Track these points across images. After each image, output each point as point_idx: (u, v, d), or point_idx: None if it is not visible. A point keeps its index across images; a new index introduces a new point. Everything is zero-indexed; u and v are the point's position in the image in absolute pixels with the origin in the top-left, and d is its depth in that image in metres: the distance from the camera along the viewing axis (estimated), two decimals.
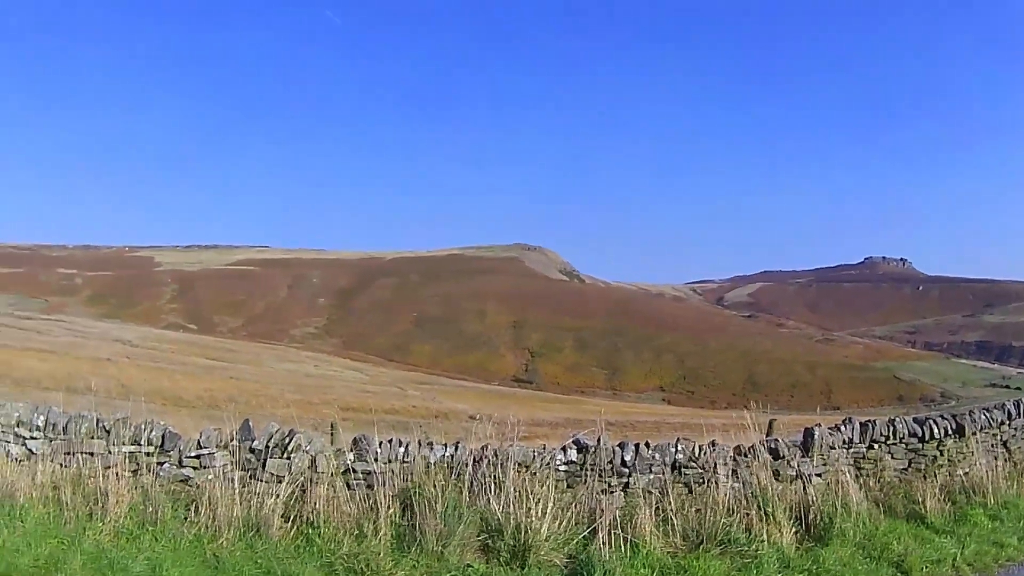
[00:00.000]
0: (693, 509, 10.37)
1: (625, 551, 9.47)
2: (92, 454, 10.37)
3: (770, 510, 10.37)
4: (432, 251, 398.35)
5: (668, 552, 9.68)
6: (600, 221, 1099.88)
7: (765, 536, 9.91)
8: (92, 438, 10.48)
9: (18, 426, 10.90)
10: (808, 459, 11.46)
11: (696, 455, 11.01)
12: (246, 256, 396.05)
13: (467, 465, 10.41)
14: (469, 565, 9.23)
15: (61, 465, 10.46)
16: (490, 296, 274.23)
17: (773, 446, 11.35)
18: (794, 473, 11.31)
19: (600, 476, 10.66)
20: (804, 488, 11.09)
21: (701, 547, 9.67)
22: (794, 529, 10.24)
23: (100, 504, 9.75)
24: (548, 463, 10.59)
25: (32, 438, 10.78)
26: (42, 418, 10.87)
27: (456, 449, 10.77)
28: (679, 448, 10.98)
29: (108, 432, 10.52)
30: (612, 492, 10.66)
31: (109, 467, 10.17)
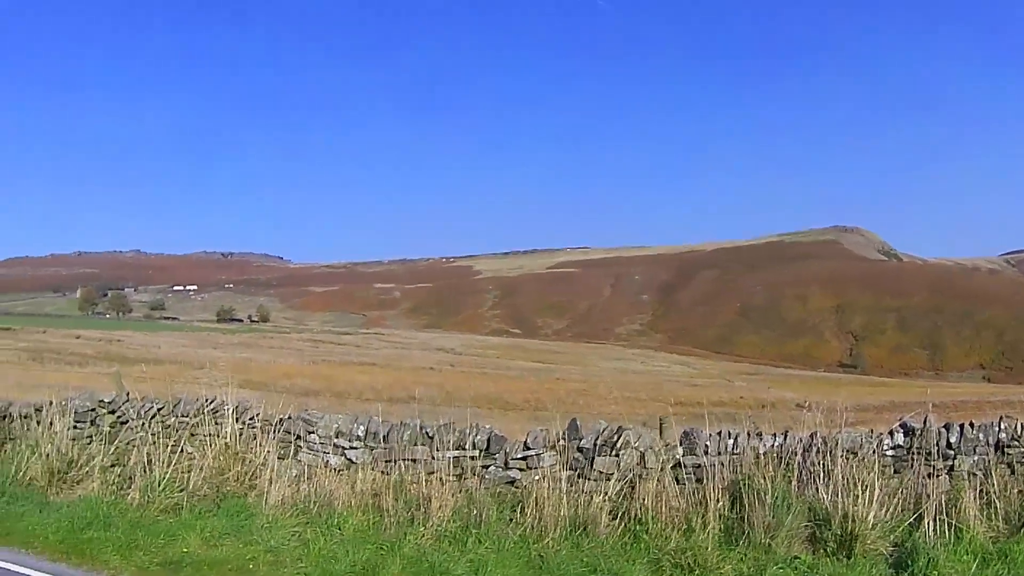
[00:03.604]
0: (1015, 491, 10.85)
1: (949, 537, 10.06)
2: (415, 460, 11.78)
3: None
4: (750, 240, 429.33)
5: (990, 537, 10.15)
6: (911, 196, 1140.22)
7: None
8: (415, 445, 11.89)
9: (337, 437, 12.46)
10: None
11: (1019, 434, 11.36)
12: (567, 258, 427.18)
13: (796, 454, 11.11)
14: (796, 557, 10.03)
15: (382, 472, 11.90)
16: (811, 281, 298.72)
17: None
18: None
19: (927, 459, 11.29)
20: None
21: (1023, 531, 10.20)
22: None
23: (422, 509, 11.10)
24: (875, 448, 11.29)
25: (351, 448, 12.32)
26: (362, 428, 12.33)
27: (785, 438, 11.40)
28: (1002, 427, 11.41)
29: (431, 438, 11.82)
30: (938, 476, 11.20)
31: (432, 472, 11.49)
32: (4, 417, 15.97)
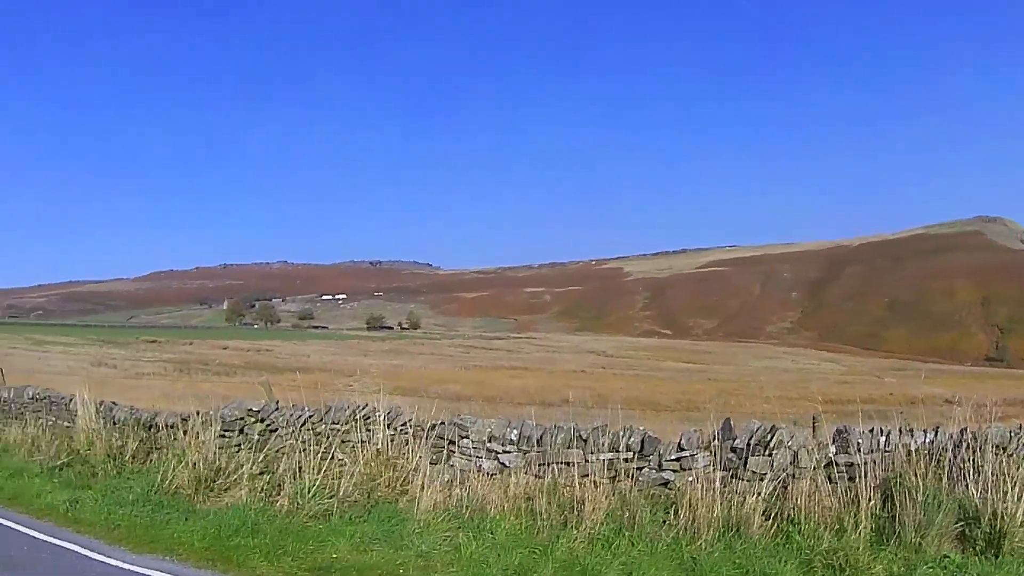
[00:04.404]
0: None
1: None
2: (568, 463, 12.03)
3: None
4: (895, 233, 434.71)
5: None
6: None
7: None
8: (568, 448, 12.12)
9: (490, 441, 12.75)
10: None
11: None
12: (716, 257, 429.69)
13: (946, 451, 11.13)
14: (945, 556, 10.08)
15: (535, 476, 12.18)
16: (956, 274, 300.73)
17: None
18: None
19: None
20: None
21: None
22: None
23: (575, 512, 11.33)
24: None
25: (504, 452, 12.59)
26: (515, 432, 12.57)
27: (935, 435, 11.43)
28: None
29: (585, 441, 12.05)
30: None
31: (586, 475, 11.76)
32: (150, 427, 16.65)
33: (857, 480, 10.99)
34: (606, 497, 11.56)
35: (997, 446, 11.05)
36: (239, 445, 14.97)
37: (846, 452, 11.38)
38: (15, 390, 21.60)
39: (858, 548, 10.07)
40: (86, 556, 11.76)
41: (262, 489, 13.70)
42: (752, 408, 42.07)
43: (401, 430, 13.98)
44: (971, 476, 10.75)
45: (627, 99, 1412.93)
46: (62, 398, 19.64)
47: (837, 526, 10.68)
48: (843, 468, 11.31)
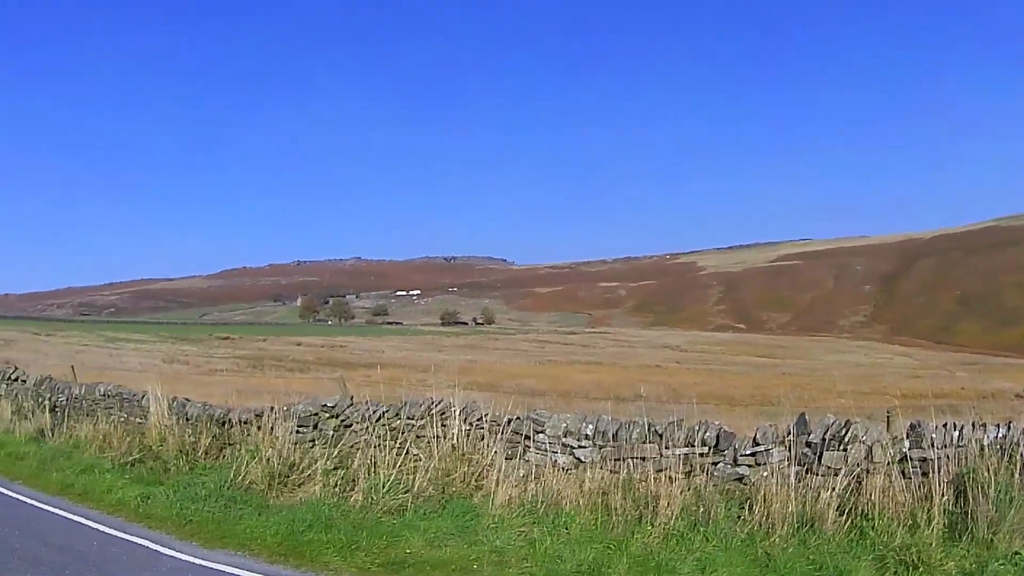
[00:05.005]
0: None
1: None
2: (643, 459, 12.17)
3: None
4: (967, 225, 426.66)
5: None
6: None
7: None
8: (644, 443, 12.26)
9: (565, 436, 12.89)
10: None
11: None
12: (789, 251, 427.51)
13: (1018, 446, 11.07)
14: (1017, 552, 10.06)
15: (610, 471, 12.31)
16: None
17: None
18: None
19: None
20: None
21: None
22: None
23: (650, 507, 11.43)
24: None
25: (580, 447, 12.74)
26: (591, 427, 12.73)
27: (1008, 429, 11.36)
28: None
29: (660, 436, 12.17)
30: None
31: (661, 470, 11.88)
32: (224, 423, 16.85)
33: (930, 475, 10.99)
34: (681, 492, 11.63)
35: None
36: (313, 441, 15.16)
37: (919, 447, 11.36)
38: (86, 387, 21.98)
39: (931, 544, 10.09)
40: (157, 551, 11.97)
41: (336, 485, 13.85)
42: (825, 402, 41.77)
43: (476, 425, 14.11)
44: None
45: (701, 93, 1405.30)
46: (134, 395, 19.95)
47: (910, 522, 10.68)
48: (916, 463, 11.30)
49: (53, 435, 20.54)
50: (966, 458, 11.13)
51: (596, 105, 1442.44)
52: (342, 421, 15.33)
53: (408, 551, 11.37)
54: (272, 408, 16.00)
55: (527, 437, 13.57)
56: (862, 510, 11.04)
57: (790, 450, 11.73)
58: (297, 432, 15.24)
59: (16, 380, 25.86)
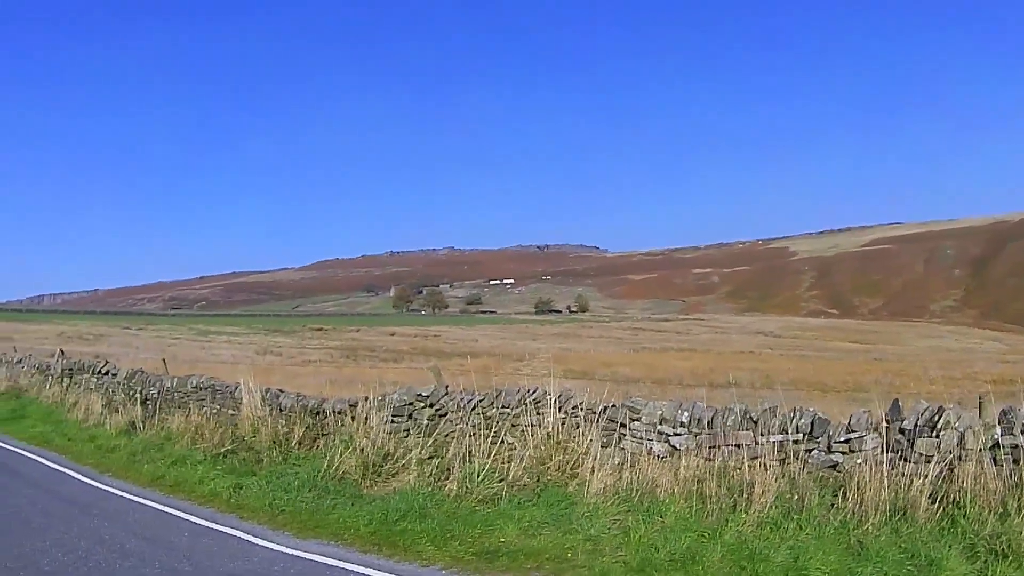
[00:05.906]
0: None
1: None
2: (739, 446, 12.22)
3: None
4: None
5: None
6: None
7: None
8: (739, 430, 12.31)
9: (661, 423, 12.98)
10: None
11: None
12: (880, 235, 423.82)
13: None
14: None
15: (705, 459, 12.40)
16: None
17: None
18: None
19: None
20: None
21: None
22: None
23: (744, 495, 11.48)
24: None
25: (675, 434, 12.80)
26: (686, 414, 12.79)
27: None
28: None
29: (755, 423, 12.20)
30: None
31: (756, 457, 11.95)
32: (317, 413, 17.14)
33: (1020, 463, 10.89)
34: (775, 480, 11.66)
35: None
36: (407, 430, 15.36)
37: (1011, 434, 11.21)
38: (178, 379, 22.51)
39: (1020, 533, 9.98)
40: (249, 541, 12.21)
41: (430, 474, 14.01)
42: (917, 388, 41.47)
43: (572, 413, 14.16)
44: None
45: (792, 78, 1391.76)
46: (226, 386, 20.37)
47: (1001, 510, 10.56)
48: (1008, 450, 11.15)
49: (144, 427, 21.04)
50: None
51: (687, 92, 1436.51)
52: (437, 410, 15.53)
53: (502, 540, 11.48)
54: (366, 398, 16.21)
55: (622, 425, 13.60)
56: (953, 498, 10.95)
57: (883, 437, 11.67)
58: (391, 422, 15.46)
59: (106, 374, 26.60)
